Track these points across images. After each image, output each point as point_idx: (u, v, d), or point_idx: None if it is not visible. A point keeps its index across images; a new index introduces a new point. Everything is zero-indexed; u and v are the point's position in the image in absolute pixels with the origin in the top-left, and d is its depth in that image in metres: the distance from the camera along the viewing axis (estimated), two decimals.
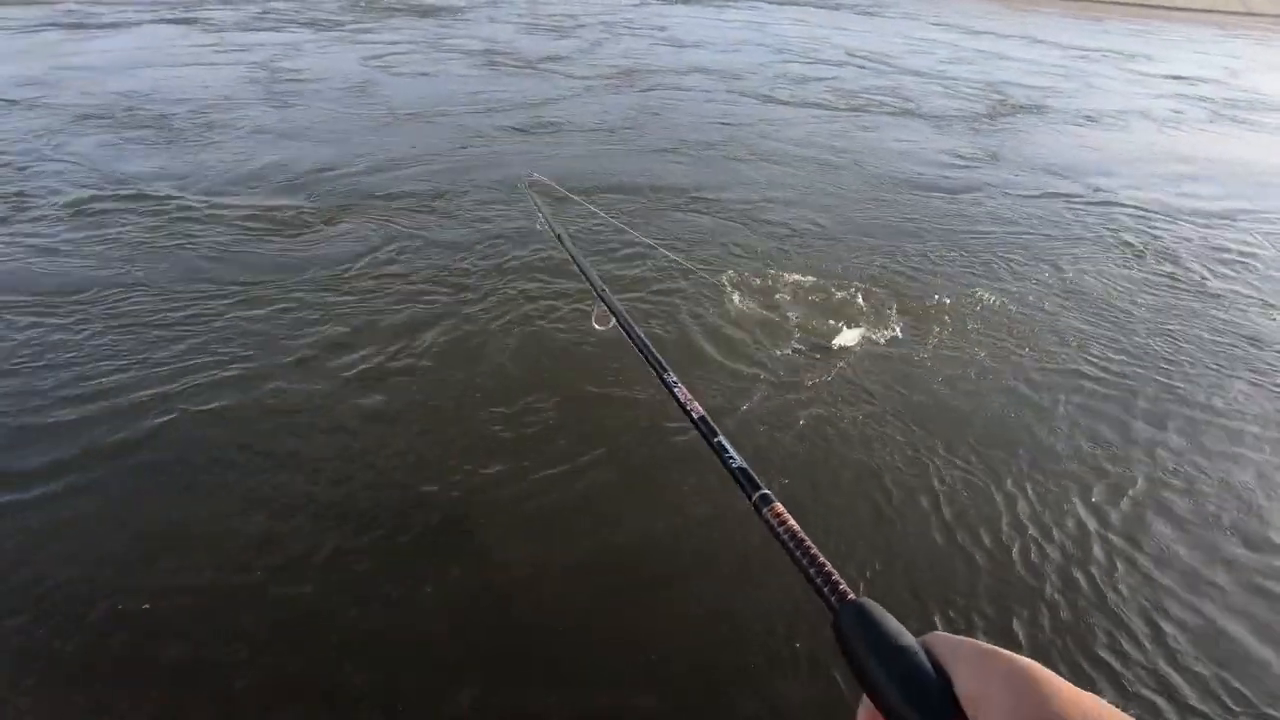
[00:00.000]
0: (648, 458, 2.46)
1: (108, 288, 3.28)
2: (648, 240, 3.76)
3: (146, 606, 1.85)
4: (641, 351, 0.99)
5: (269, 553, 2.02)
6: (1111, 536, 2.27)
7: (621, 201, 4.72)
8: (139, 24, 9.73)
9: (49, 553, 1.98)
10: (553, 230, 1.87)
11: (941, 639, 0.42)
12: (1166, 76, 11.68)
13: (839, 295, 3.59)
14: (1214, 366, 3.26)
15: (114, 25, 9.52)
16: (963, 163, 6.03)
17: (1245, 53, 16.90)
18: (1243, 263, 4.43)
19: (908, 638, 0.42)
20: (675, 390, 0.84)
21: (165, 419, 2.48)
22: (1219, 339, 3.50)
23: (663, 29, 12.55)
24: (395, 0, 13.37)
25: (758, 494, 0.59)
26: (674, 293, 3.56)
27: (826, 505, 2.32)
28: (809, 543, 0.52)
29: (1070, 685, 0.36)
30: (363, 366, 2.83)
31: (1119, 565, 2.17)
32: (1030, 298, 3.75)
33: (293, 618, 1.85)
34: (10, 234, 3.76)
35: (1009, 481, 2.46)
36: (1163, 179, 6.02)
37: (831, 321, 3.33)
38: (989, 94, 8.91)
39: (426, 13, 12.13)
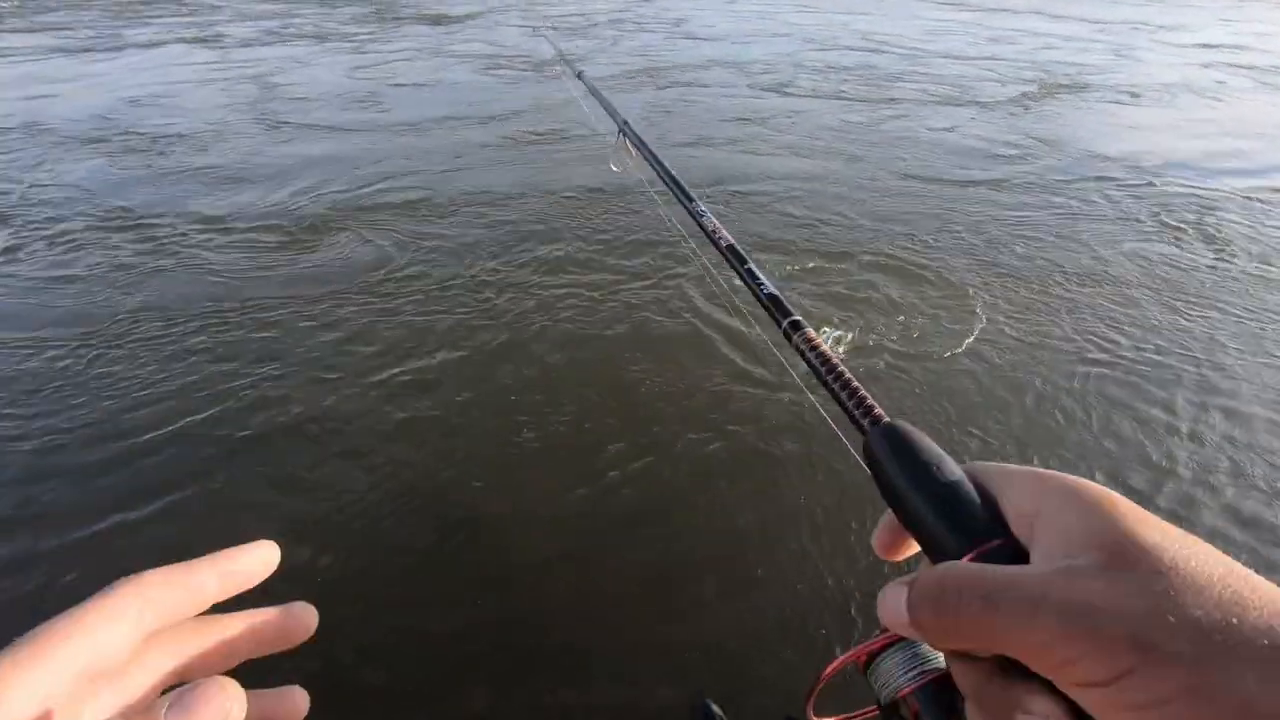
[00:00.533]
0: (685, 462, 2.50)
1: (115, 318, 3.30)
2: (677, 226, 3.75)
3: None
4: (665, 180, 0.98)
5: (287, 559, 2.03)
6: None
7: (637, 192, 4.75)
8: (149, 46, 9.74)
9: (69, 577, 2.10)
10: (572, 69, 1.98)
11: (988, 464, 0.37)
12: (1198, 45, 11.39)
13: (860, 285, 3.62)
14: (1262, 351, 3.19)
15: (119, 49, 9.59)
16: (1000, 148, 5.93)
17: (1267, 16, 16.50)
18: None
19: (948, 459, 0.39)
20: (703, 220, 0.85)
21: (187, 445, 2.56)
22: (1268, 320, 3.41)
23: (676, 23, 12.46)
24: (406, 11, 13.32)
25: (788, 320, 0.59)
26: (681, 278, 3.61)
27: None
28: (841, 367, 0.51)
29: (1143, 509, 0.31)
30: (390, 379, 2.89)
31: None
32: (1068, 283, 3.72)
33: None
34: (6, 267, 3.80)
35: (1038, 465, 2.43)
36: (1212, 154, 5.89)
37: (849, 314, 3.37)
38: (1022, 74, 8.71)
39: (437, 21, 12.10)
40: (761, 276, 0.66)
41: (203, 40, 10.17)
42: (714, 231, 0.78)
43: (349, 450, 2.51)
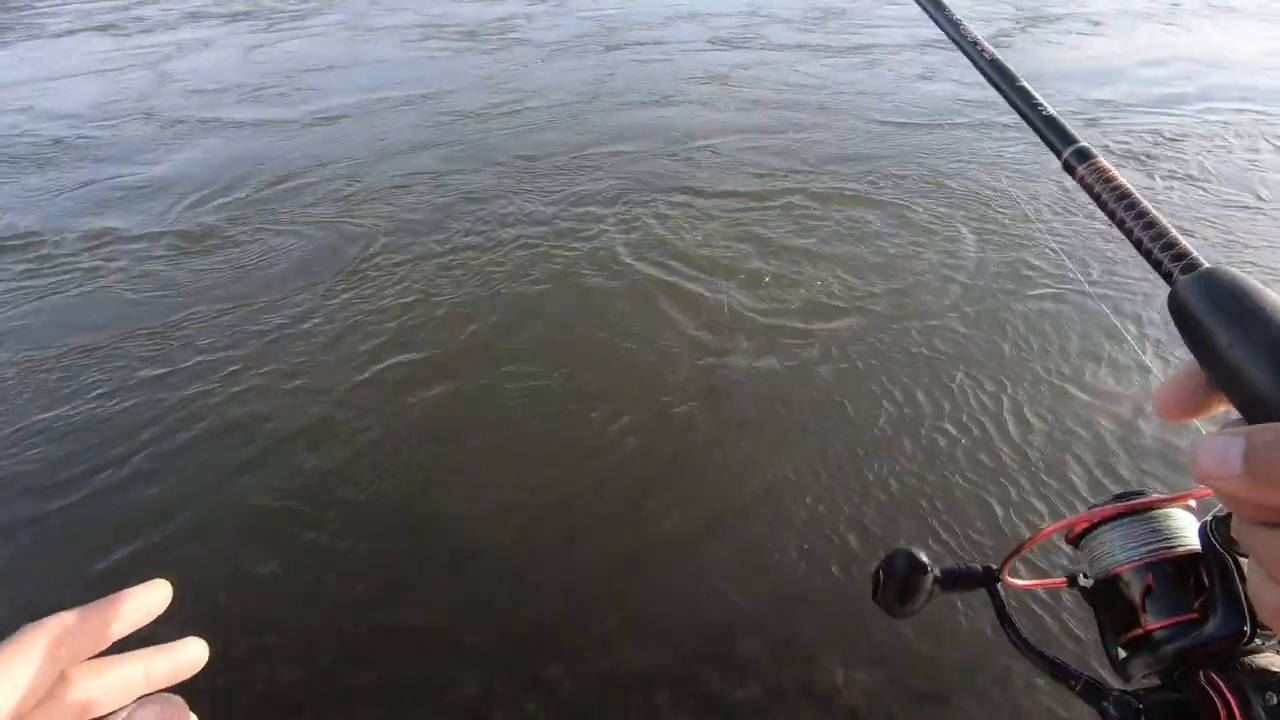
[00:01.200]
0: (660, 434, 2.60)
1: (15, 357, 3.11)
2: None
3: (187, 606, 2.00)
4: None
5: (271, 564, 2.17)
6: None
7: (597, 157, 4.85)
8: (54, 36, 9.27)
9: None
10: None
11: None
12: None
13: (828, 231, 3.80)
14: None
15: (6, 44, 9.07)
16: (973, 91, 5.96)
17: None
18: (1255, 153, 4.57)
19: None
20: (961, 29, 0.72)
21: (160, 462, 2.57)
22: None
23: None
24: None
25: (1071, 149, 0.51)
26: (641, 227, 3.77)
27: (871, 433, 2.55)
28: (1143, 204, 0.44)
29: None
30: (358, 374, 2.93)
31: None
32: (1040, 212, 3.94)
33: (292, 628, 1.98)
34: None
35: (1019, 391, 2.69)
36: (1164, 79, 6.09)
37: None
38: (993, 10, 8.75)
39: None
40: (1037, 96, 0.59)
41: (114, 25, 9.75)
42: (975, 44, 0.69)
43: (317, 452, 2.56)
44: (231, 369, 2.98)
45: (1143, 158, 4.59)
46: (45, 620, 0.36)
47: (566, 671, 1.86)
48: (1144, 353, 2.86)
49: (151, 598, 0.42)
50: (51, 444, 2.65)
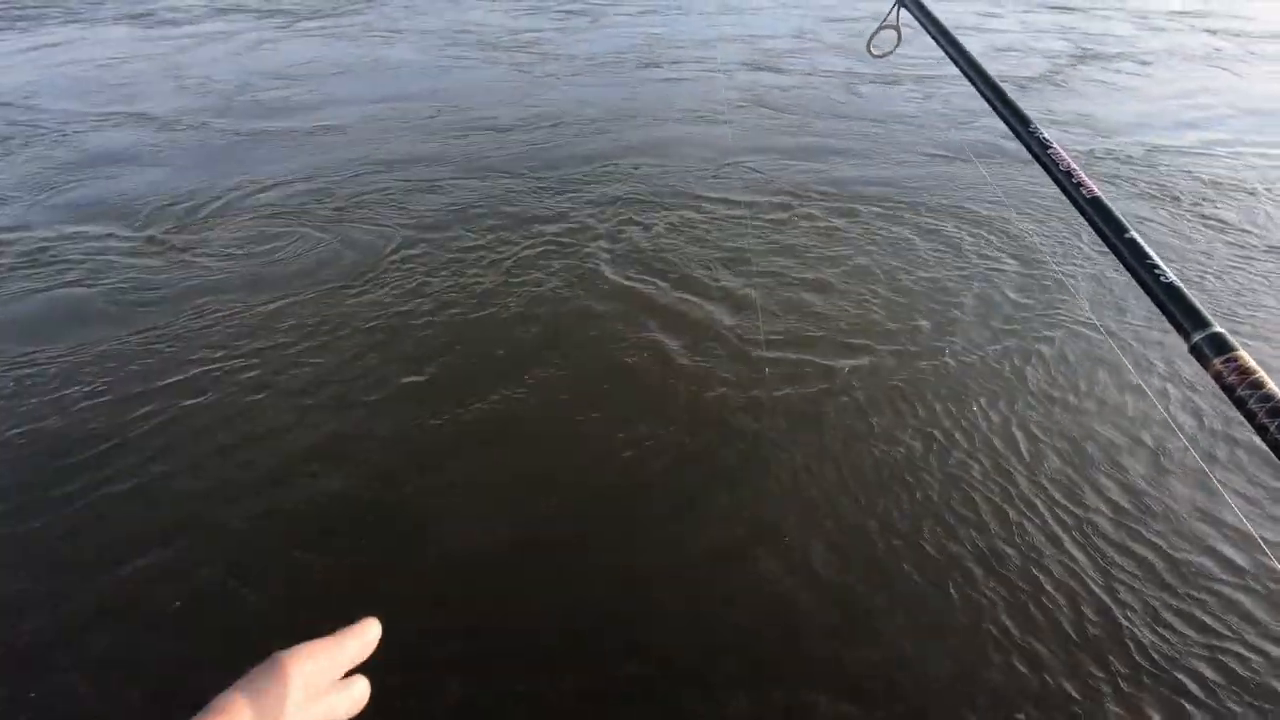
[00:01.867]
0: (645, 449, 2.62)
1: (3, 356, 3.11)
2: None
3: (178, 604, 2.08)
4: (973, 79, 0.65)
5: (249, 563, 2.22)
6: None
7: (622, 172, 4.95)
8: (96, 22, 9.65)
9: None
10: None
11: None
12: (1182, 12, 11.49)
13: (855, 252, 3.83)
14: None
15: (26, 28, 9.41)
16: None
17: None
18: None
19: None
20: (1049, 153, 0.57)
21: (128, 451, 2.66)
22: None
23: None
24: None
25: (1202, 334, 0.40)
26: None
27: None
28: None
29: None
30: (342, 381, 2.97)
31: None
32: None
33: (268, 632, 1.99)
34: None
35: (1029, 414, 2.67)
36: (1203, 121, 6.18)
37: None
38: (1049, 46, 8.86)
39: None
40: (1153, 255, 0.45)
41: (148, 15, 10.09)
42: (1069, 174, 0.51)
43: (319, 455, 2.62)
44: (236, 371, 3.02)
45: (1183, 199, 4.62)
46: (296, 654, 0.48)
47: (551, 681, 1.88)
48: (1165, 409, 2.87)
49: (374, 635, 0.53)
50: (42, 448, 2.64)
